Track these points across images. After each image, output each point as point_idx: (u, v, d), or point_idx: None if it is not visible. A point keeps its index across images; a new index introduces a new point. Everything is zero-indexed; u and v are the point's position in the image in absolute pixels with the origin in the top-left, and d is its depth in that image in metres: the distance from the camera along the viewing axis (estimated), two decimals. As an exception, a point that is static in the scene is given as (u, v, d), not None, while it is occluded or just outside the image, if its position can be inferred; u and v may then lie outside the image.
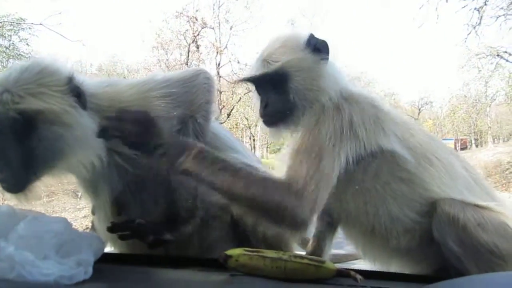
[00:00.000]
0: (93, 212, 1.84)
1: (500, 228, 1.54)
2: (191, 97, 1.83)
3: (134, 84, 1.78)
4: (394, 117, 1.74)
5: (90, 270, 1.27)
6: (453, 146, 38.53)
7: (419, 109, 48.49)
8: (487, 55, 26.34)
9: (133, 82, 1.81)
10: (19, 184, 1.50)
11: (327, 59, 1.74)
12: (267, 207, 1.45)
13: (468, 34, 18.55)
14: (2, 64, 28.81)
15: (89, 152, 1.57)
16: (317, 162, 1.52)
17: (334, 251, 1.99)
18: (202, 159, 1.46)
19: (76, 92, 1.56)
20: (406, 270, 1.70)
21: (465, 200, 1.61)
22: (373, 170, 1.63)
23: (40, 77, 1.50)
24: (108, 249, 1.62)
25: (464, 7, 17.47)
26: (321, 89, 1.69)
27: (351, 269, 1.34)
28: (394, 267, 1.73)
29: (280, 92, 1.70)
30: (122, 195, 1.71)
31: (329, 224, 1.94)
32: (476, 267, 1.48)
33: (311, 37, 1.74)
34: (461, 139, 41.57)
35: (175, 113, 1.76)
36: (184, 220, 1.71)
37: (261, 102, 1.76)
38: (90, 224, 2.09)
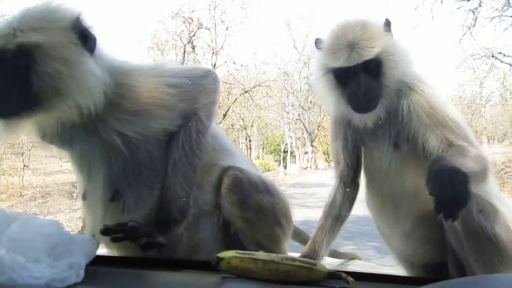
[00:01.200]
0: (83, 197, 1.80)
1: (499, 219, 1.57)
2: (198, 94, 1.82)
3: (143, 67, 1.82)
4: None
5: (81, 273, 1.28)
6: None
7: (415, 110, 48.54)
8: (482, 56, 26.43)
9: (143, 65, 1.84)
10: (7, 111, 1.52)
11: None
12: None
13: (463, 35, 18.62)
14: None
15: (86, 95, 1.54)
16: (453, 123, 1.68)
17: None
18: None
19: (82, 34, 1.57)
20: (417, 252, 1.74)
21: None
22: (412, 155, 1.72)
23: (44, 15, 1.54)
24: (101, 251, 1.62)
25: (459, 8, 17.55)
26: (404, 74, 1.73)
27: (342, 271, 1.34)
28: (408, 244, 1.78)
29: (373, 77, 1.70)
30: (116, 180, 1.69)
31: (336, 221, 1.94)
32: (475, 253, 1.50)
33: (388, 21, 1.77)
34: None
35: (180, 105, 1.75)
36: (176, 220, 1.71)
37: (353, 87, 1.70)
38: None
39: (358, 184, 1.96)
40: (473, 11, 17.76)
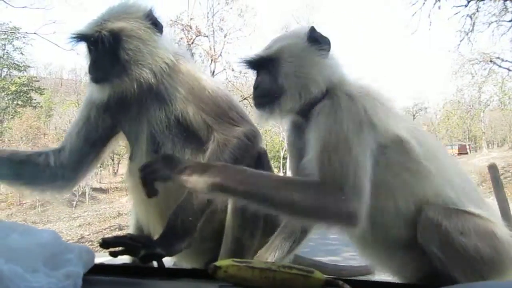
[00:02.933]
0: (130, 158, 2.12)
1: (486, 235, 1.55)
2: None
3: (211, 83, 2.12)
4: (398, 111, 1.81)
5: (79, 283, 1.27)
6: (456, 151, 38.76)
7: (414, 115, 48.68)
8: (480, 61, 26.52)
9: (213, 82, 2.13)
10: (103, 78, 2.01)
11: (327, 52, 1.79)
12: (308, 211, 1.51)
13: (461, 41, 18.76)
14: (-4, 73, 28.75)
15: (159, 61, 2.03)
16: (347, 154, 1.54)
17: (323, 259, 2.00)
18: (225, 171, 1.55)
19: (153, 22, 2.08)
20: (405, 269, 1.72)
21: (452, 203, 1.63)
22: (384, 160, 1.64)
23: (124, 9, 2.08)
24: (99, 260, 1.62)
25: (457, 13, 17.66)
26: (310, 77, 1.73)
27: (340, 279, 1.35)
28: (393, 264, 1.75)
29: (270, 75, 1.76)
30: (158, 136, 2.01)
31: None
32: (462, 274, 1.49)
33: (312, 30, 1.81)
34: (463, 145, 41.75)
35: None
36: (179, 237, 1.73)
37: (254, 84, 1.83)
38: (84, 233, 2.12)
39: None
40: (470, 17, 17.88)
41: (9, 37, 27.76)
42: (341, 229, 1.60)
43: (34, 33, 17.93)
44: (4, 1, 15.73)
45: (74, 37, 2.01)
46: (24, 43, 27.99)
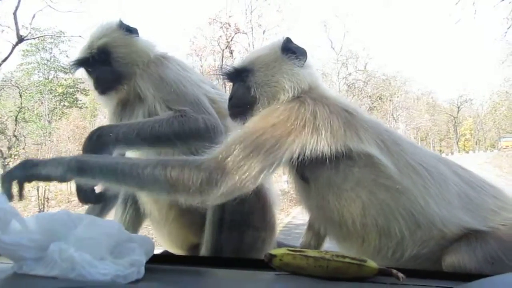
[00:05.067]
0: None
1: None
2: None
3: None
4: (372, 125, 1.71)
5: (142, 270, 1.33)
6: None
7: (458, 107, 47.28)
8: (529, 49, 25.43)
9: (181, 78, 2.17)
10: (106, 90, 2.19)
11: (301, 61, 1.81)
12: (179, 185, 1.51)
13: (507, 28, 18.05)
14: (44, 75, 29.87)
15: (138, 62, 2.20)
16: (261, 144, 1.53)
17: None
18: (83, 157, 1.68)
19: (127, 29, 2.24)
20: None
21: (453, 217, 1.59)
22: (354, 176, 1.62)
23: (105, 28, 2.25)
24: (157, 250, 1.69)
25: (503, 0, 16.96)
26: (280, 86, 1.75)
27: (393, 268, 1.36)
28: None
29: (244, 86, 1.81)
30: None
31: (316, 237, 1.96)
32: None
33: (286, 40, 1.86)
34: None
35: None
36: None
37: (229, 95, 1.88)
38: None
39: None
40: (518, 3, 17.13)
41: (55, 41, 28.77)
42: (196, 198, 1.54)
43: (79, 36, 18.54)
44: (50, 6, 16.35)
45: (73, 65, 2.25)
46: (69, 46, 28.89)
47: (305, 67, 1.82)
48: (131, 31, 2.25)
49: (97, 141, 1.84)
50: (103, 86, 2.18)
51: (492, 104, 43.62)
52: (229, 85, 1.98)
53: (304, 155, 1.56)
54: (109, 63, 2.16)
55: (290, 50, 1.82)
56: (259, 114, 1.70)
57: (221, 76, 1.96)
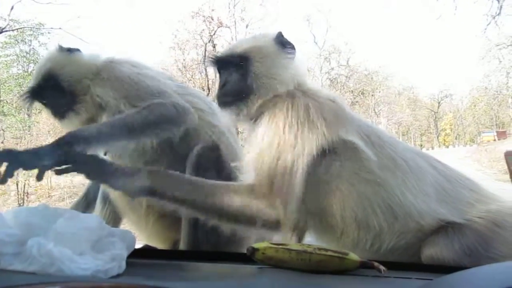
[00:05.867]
0: None
1: (489, 236, 1.56)
2: None
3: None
4: (356, 117, 1.77)
5: (123, 265, 1.33)
6: (493, 139, 37.98)
7: (439, 102, 47.88)
8: (508, 45, 25.93)
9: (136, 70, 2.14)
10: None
11: (292, 55, 1.82)
12: (236, 214, 1.56)
13: (487, 25, 18.32)
14: (23, 68, 29.36)
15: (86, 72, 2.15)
16: (278, 157, 1.57)
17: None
18: (156, 175, 1.61)
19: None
20: None
21: (430, 210, 1.62)
22: (336, 168, 1.63)
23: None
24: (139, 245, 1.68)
25: (483, -3, 17.19)
26: (279, 79, 1.75)
27: (374, 260, 1.37)
28: None
29: (239, 74, 1.76)
30: None
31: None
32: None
33: (280, 34, 1.85)
34: (501, 131, 40.80)
35: None
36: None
37: (220, 82, 1.81)
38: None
39: None
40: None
41: (35, 33, 28.23)
42: (267, 233, 1.62)
43: (59, 28, 18.25)
44: (30, -3, 16.05)
45: (26, 99, 2.19)
46: (49, 38, 28.34)
47: (296, 62, 1.83)
48: (71, 50, 2.22)
49: (68, 145, 1.74)
50: (61, 110, 2.12)
51: (471, 99, 44.31)
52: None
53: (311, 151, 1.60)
54: (59, 86, 2.11)
55: (282, 44, 1.82)
56: (263, 125, 1.68)
57: (209, 62, 1.88)
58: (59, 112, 2.13)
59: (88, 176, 1.68)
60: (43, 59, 2.24)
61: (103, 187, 2.18)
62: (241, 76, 1.76)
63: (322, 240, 1.74)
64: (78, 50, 2.23)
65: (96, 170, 1.64)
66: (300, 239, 1.92)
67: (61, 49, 2.20)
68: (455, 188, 1.70)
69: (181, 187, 1.59)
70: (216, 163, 1.90)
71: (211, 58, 1.86)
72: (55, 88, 2.11)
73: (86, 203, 2.32)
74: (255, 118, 1.76)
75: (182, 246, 1.87)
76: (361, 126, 1.72)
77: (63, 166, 1.63)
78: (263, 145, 1.61)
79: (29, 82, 2.19)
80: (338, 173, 1.63)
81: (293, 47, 1.83)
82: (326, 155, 1.62)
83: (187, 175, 1.72)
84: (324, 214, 1.66)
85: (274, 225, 1.56)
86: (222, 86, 1.79)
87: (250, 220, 1.57)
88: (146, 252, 1.69)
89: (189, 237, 1.86)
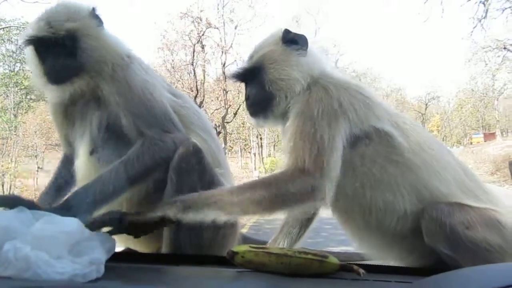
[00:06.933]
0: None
1: (491, 225, 1.58)
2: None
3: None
4: (383, 104, 1.82)
5: (102, 269, 1.32)
6: (482, 140, 38.40)
7: (426, 104, 48.32)
8: (494, 48, 26.23)
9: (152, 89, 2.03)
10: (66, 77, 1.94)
11: (304, 50, 1.85)
12: (274, 201, 1.56)
13: (474, 28, 18.49)
14: (9, 68, 29.05)
15: (109, 61, 1.99)
16: (316, 138, 1.60)
17: (336, 249, 2.03)
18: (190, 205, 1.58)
19: (98, 19, 2.02)
20: (401, 259, 1.74)
21: (442, 194, 1.65)
22: (370, 153, 1.69)
23: (69, 10, 1.97)
24: (119, 248, 1.66)
25: (469, 0, 17.38)
26: (292, 78, 1.80)
27: (354, 263, 1.38)
28: (389, 256, 1.77)
29: (258, 84, 1.85)
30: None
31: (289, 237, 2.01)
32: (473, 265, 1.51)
33: (286, 32, 1.88)
34: (489, 133, 41.33)
35: None
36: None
37: (245, 95, 1.92)
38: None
39: None
40: (484, 3, 17.60)
41: (21, 32, 27.94)
42: (311, 206, 1.63)
43: (46, 27, 18.05)
44: (16, -4, 15.89)
45: (27, 41, 1.95)
46: (35, 38, 28.14)
47: (309, 54, 1.86)
48: (101, 23, 2.02)
49: (75, 209, 1.68)
50: (59, 74, 1.92)
51: (458, 101, 44.77)
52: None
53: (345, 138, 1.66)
54: (73, 51, 1.91)
55: (291, 40, 1.86)
56: (293, 116, 1.72)
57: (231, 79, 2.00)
58: (56, 74, 1.92)
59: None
60: (67, 12, 1.96)
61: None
62: (260, 86, 1.84)
63: (347, 219, 1.80)
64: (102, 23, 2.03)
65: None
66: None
67: (93, 14, 2.00)
68: (472, 182, 1.76)
69: (217, 199, 1.59)
70: (198, 166, 1.88)
71: (232, 77, 1.99)
72: (67, 49, 1.90)
73: (57, 186, 2.17)
74: (285, 115, 1.81)
75: (163, 248, 1.85)
76: (388, 112, 1.79)
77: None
78: (296, 132, 1.65)
79: (39, 24, 1.91)
80: (371, 157, 1.68)
81: (304, 40, 1.86)
82: (358, 140, 1.69)
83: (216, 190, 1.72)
84: (356, 194, 1.69)
85: (311, 194, 1.56)
86: (246, 99, 1.91)
87: (287, 200, 1.58)
88: (127, 256, 1.68)
89: (171, 238, 1.83)
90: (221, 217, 1.56)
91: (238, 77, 1.95)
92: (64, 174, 2.16)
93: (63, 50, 1.89)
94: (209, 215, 1.55)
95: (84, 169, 1.98)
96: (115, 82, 1.94)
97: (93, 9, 2.01)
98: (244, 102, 1.92)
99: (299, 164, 1.58)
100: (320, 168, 1.56)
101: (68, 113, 2.06)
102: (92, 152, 1.96)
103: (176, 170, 1.81)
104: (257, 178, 1.71)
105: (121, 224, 1.57)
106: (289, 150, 1.65)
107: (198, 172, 1.84)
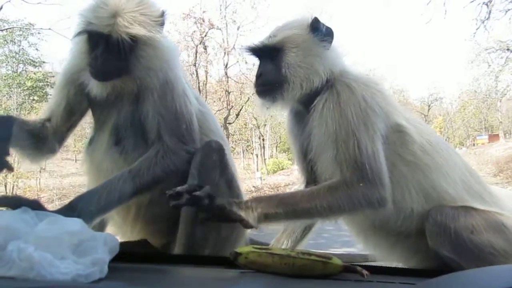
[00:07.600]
0: (89, 143, 2.10)
1: (496, 228, 1.57)
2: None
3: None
4: (397, 103, 1.83)
5: (105, 269, 1.31)
6: (486, 142, 38.33)
7: (429, 106, 48.20)
8: (497, 50, 26.18)
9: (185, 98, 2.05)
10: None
11: (330, 43, 1.81)
12: (343, 209, 1.58)
13: (477, 29, 18.42)
14: (12, 69, 29.13)
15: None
16: (358, 146, 1.59)
17: (338, 250, 2.04)
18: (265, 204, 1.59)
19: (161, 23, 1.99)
20: (406, 260, 1.74)
21: (450, 197, 1.65)
22: (385, 150, 1.67)
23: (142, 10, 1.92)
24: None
25: (472, 1, 17.33)
26: (313, 68, 1.76)
27: (357, 265, 1.37)
28: (393, 256, 1.77)
29: (274, 64, 1.79)
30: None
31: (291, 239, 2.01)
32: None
33: (315, 20, 1.82)
34: (493, 134, 41.28)
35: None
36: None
37: (257, 72, 1.85)
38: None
39: None
40: (487, 4, 17.54)
41: (24, 33, 27.99)
42: (373, 212, 1.63)
43: (49, 28, 18.15)
44: (19, -3, 15.94)
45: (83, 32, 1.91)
46: (39, 39, 28.14)
47: (332, 49, 1.82)
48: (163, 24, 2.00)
49: (79, 212, 1.69)
50: (107, 73, 1.90)
51: (461, 103, 44.68)
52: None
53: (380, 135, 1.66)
54: (127, 56, 1.88)
55: (319, 31, 1.81)
56: (332, 118, 1.68)
57: (245, 51, 1.91)
58: (106, 68, 1.88)
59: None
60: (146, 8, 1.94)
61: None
62: (275, 67, 1.79)
63: (353, 217, 1.78)
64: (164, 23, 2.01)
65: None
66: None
67: (163, 22, 1.99)
68: (478, 183, 1.77)
69: (287, 204, 1.60)
70: (221, 163, 1.91)
71: (248, 50, 1.89)
72: (124, 50, 1.87)
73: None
74: (306, 108, 1.79)
75: (176, 247, 1.86)
76: (403, 111, 1.79)
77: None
78: (337, 140, 1.64)
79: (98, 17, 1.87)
80: (385, 154, 1.67)
81: (330, 33, 1.82)
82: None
83: (284, 193, 1.78)
84: None
85: (377, 204, 1.58)
86: (258, 76, 1.84)
87: (355, 208, 1.59)
88: (130, 256, 1.68)
89: (185, 238, 1.84)
90: (294, 222, 1.58)
91: (254, 52, 1.88)
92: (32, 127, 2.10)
93: (118, 50, 1.85)
94: (284, 222, 1.58)
95: (105, 158, 1.99)
96: (159, 85, 1.95)
97: (163, 13, 1.99)
98: (256, 79, 1.85)
99: (357, 175, 1.58)
100: (380, 178, 1.58)
101: (109, 109, 2.05)
102: (117, 143, 1.97)
103: (199, 166, 1.82)
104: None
105: (211, 202, 1.56)
106: (335, 159, 1.63)
107: (220, 168, 1.87)
